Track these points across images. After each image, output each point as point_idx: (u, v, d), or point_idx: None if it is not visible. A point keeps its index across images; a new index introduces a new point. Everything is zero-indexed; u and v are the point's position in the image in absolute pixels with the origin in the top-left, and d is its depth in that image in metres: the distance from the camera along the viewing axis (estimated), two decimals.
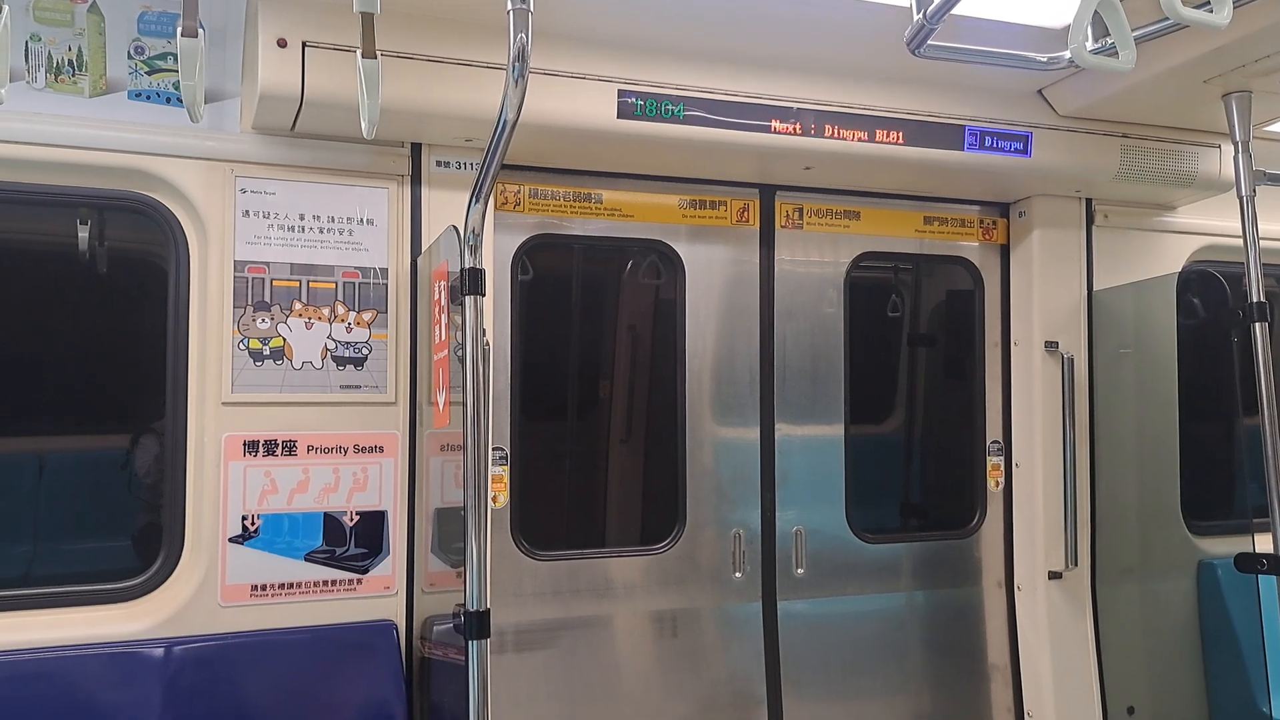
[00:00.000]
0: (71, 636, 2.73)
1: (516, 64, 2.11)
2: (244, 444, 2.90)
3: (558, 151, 3.28)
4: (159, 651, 2.76)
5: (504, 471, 3.26)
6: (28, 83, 2.80)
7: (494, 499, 3.20)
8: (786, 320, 3.72)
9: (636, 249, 3.65)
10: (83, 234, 3.03)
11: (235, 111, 2.99)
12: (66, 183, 2.83)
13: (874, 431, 4.15)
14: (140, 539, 3.17)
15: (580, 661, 3.43)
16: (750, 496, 3.65)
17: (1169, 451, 3.73)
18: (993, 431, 3.99)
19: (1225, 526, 3.89)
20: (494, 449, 3.22)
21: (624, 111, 3.06)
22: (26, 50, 2.80)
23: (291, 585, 2.94)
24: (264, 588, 2.92)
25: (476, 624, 2.30)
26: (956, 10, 2.36)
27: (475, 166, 3.12)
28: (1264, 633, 3.42)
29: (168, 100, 2.93)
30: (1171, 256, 4.03)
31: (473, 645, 2.29)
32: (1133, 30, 2.22)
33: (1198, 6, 2.16)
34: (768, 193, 3.72)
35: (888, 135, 3.34)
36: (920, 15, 2.41)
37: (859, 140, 3.32)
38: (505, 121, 2.17)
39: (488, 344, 2.72)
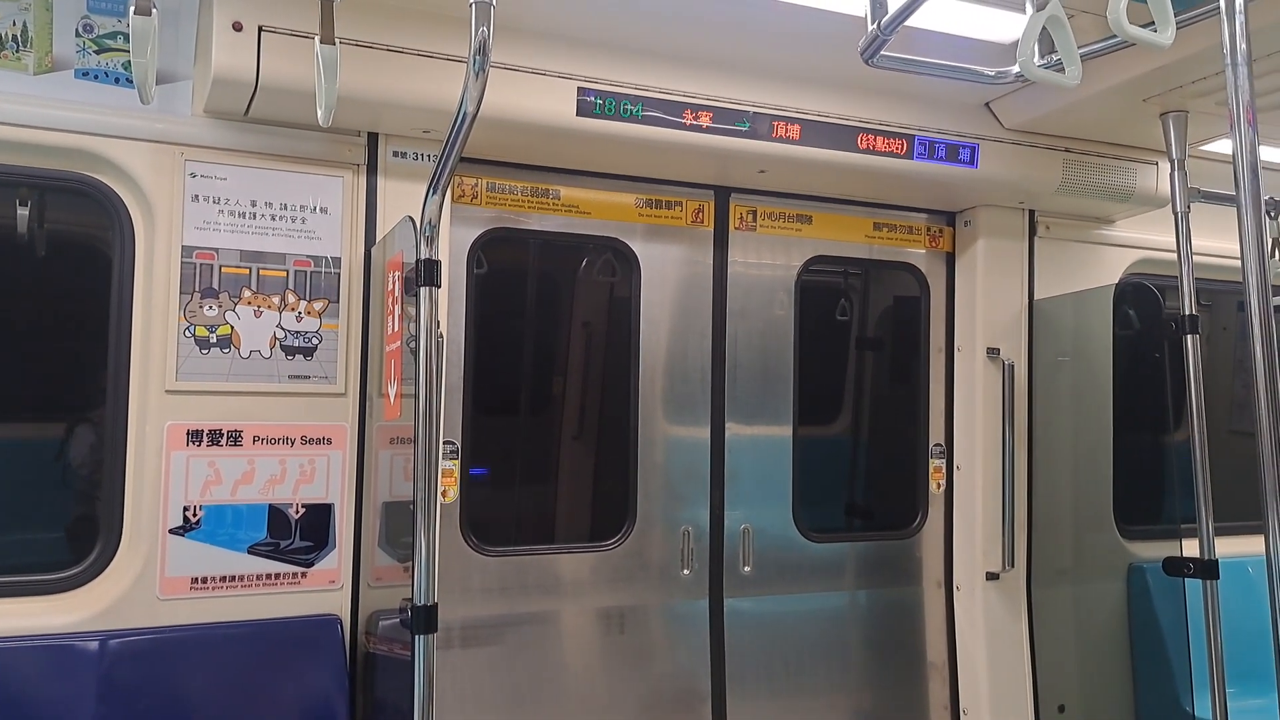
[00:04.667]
0: (1, 628, 2.65)
1: (478, 57, 2.10)
2: (187, 433, 2.85)
3: (516, 146, 3.28)
4: (94, 645, 2.70)
5: (454, 466, 3.25)
6: None
7: (444, 493, 3.19)
8: (739, 321, 3.76)
9: (592, 246, 3.65)
10: (22, 214, 2.95)
11: (187, 94, 2.93)
12: (8, 161, 2.75)
13: (821, 432, 4.20)
14: (75, 530, 3.09)
15: (527, 658, 3.43)
16: (700, 494, 3.68)
17: (1103, 457, 3.84)
18: (935, 434, 4.07)
19: (1155, 531, 3.99)
20: (445, 442, 3.21)
21: (583, 109, 3.07)
22: None
23: (234, 578, 2.90)
24: (205, 580, 2.87)
25: (424, 618, 2.29)
26: (909, 22, 2.42)
27: (432, 158, 3.11)
28: (1189, 634, 3.53)
29: (116, 80, 2.86)
30: (1109, 268, 4.15)
31: (419, 640, 2.28)
32: (1079, 48, 2.28)
33: (1142, 26, 2.24)
34: (723, 194, 3.76)
35: (839, 142, 3.39)
36: (874, 25, 2.46)
37: (811, 146, 3.37)
38: (465, 114, 2.17)
39: (441, 336, 2.70)
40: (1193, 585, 3.36)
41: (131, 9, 2.16)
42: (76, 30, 2.84)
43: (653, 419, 3.62)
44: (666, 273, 3.67)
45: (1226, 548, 3.33)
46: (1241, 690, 3.47)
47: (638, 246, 3.63)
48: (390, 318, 2.73)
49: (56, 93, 2.80)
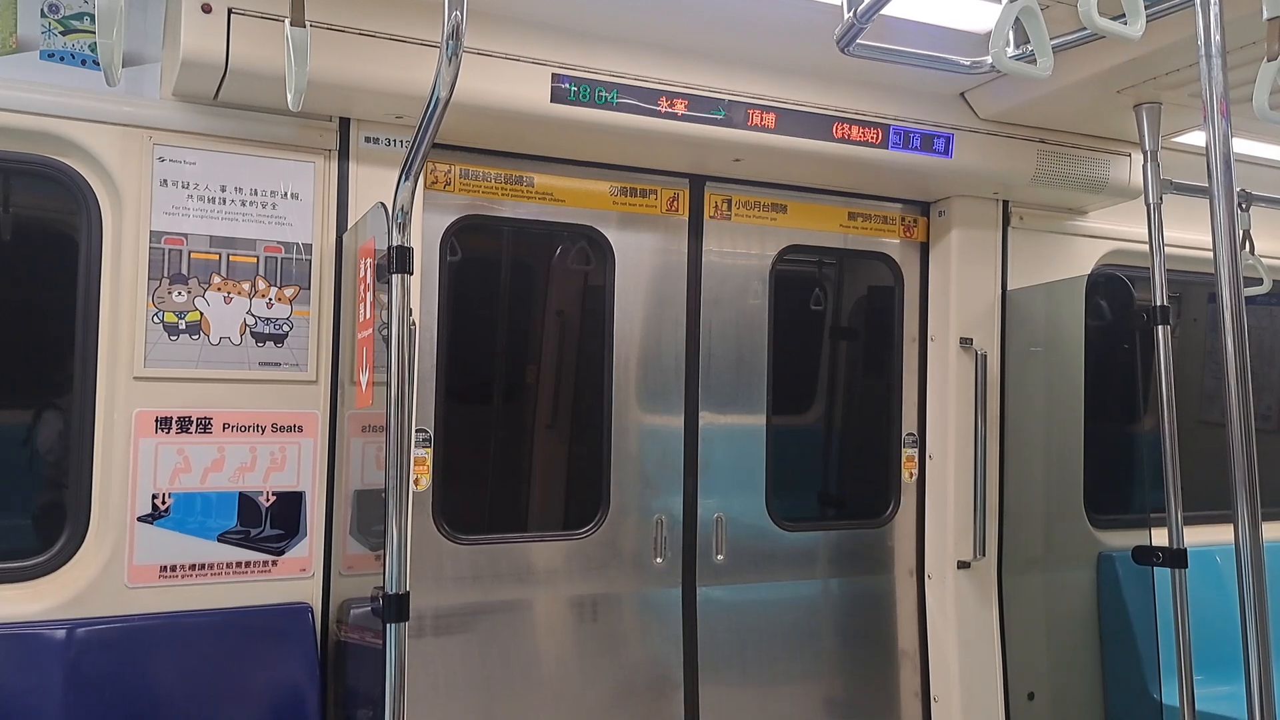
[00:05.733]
0: None
1: (450, 41, 2.08)
2: (156, 420, 2.82)
3: (490, 133, 3.25)
4: (61, 633, 2.67)
5: (427, 454, 3.24)
6: None
7: (416, 481, 3.17)
8: (713, 310, 3.76)
9: (566, 234, 3.64)
10: None
11: (155, 77, 2.89)
12: None
13: (795, 422, 4.21)
14: (42, 517, 3.05)
15: (499, 646, 3.42)
16: (673, 483, 3.68)
17: (1074, 447, 3.87)
18: (908, 424, 4.09)
19: (1124, 521, 4.01)
20: (417, 431, 3.19)
21: (558, 96, 3.05)
22: None
23: (203, 566, 2.87)
24: (174, 568, 2.84)
25: (395, 607, 2.27)
26: (885, 11, 2.42)
27: (405, 144, 3.06)
28: (1157, 622, 3.57)
29: (83, 62, 2.81)
30: (1081, 259, 4.17)
31: (390, 628, 2.26)
32: (1051, 39, 2.29)
33: (1113, 19, 2.25)
34: (697, 183, 3.75)
35: (815, 130, 3.38)
36: (850, 14, 2.46)
37: (787, 135, 3.36)
38: (437, 99, 2.14)
39: (414, 324, 2.68)
40: (1161, 574, 3.38)
41: None
42: (42, 10, 2.79)
43: (626, 408, 3.62)
44: (641, 261, 3.66)
45: (1195, 537, 3.36)
46: (1208, 678, 3.51)
47: (612, 235, 3.61)
48: (362, 305, 2.71)
49: (21, 74, 2.75)
